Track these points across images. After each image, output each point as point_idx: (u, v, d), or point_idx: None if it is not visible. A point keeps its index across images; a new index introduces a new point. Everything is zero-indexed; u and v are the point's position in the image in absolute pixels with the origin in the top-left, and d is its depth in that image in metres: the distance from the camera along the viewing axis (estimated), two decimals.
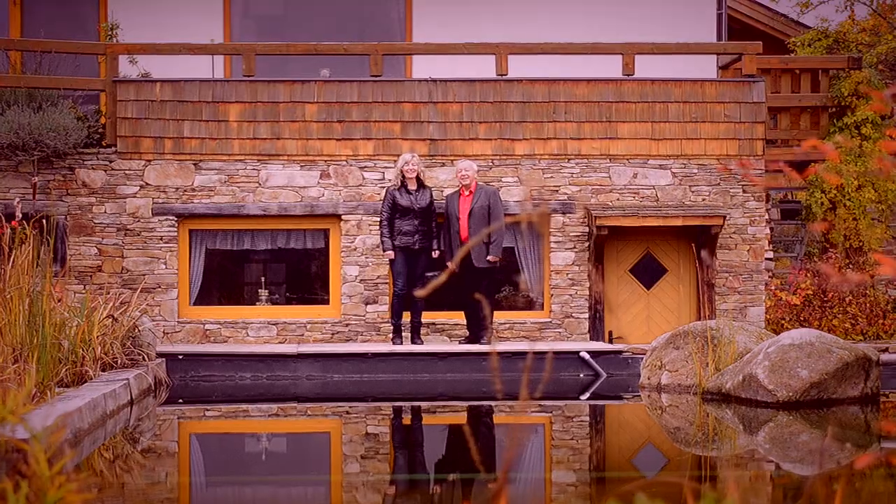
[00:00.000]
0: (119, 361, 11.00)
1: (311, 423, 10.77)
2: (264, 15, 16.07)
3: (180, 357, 12.40)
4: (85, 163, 13.40)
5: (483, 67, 14.02)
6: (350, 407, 11.39)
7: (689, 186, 13.77)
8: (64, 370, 10.09)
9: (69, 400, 8.43)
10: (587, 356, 12.60)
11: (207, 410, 11.27)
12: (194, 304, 13.65)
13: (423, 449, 9.16)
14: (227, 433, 10.31)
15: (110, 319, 11.22)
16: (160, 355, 12.12)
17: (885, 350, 12.45)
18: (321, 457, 8.90)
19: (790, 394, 9.67)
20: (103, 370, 10.68)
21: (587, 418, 10.85)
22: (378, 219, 13.26)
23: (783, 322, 13.48)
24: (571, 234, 13.71)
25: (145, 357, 11.50)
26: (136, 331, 11.66)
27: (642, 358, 11.73)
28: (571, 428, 10.10)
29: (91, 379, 10.14)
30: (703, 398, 10.60)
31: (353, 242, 13.59)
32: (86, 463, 7.64)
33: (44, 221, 11.23)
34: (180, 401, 11.53)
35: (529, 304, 13.97)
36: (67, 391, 9.23)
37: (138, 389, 10.48)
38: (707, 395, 10.58)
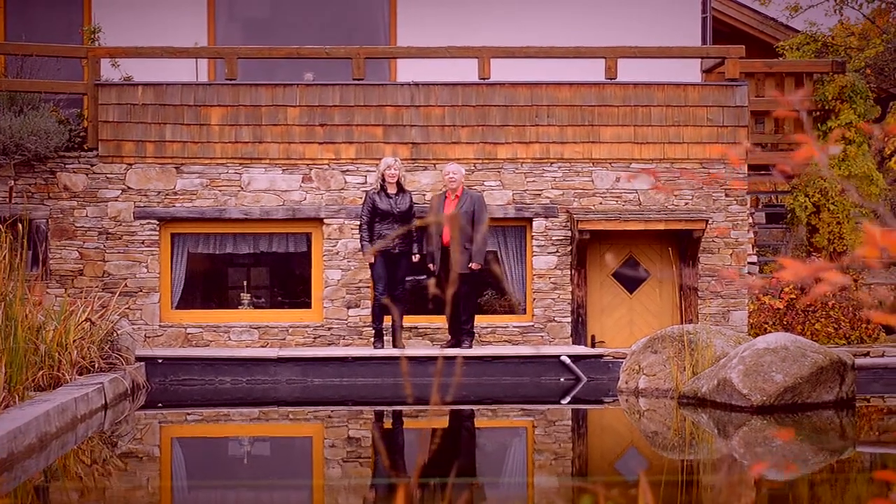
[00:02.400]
0: (96, 365, 10.98)
1: (292, 427, 10.74)
2: (250, 18, 16.06)
3: (159, 361, 12.38)
4: (66, 166, 13.39)
5: (468, 71, 14.00)
6: (332, 411, 11.37)
7: (672, 190, 13.75)
8: (40, 374, 10.07)
9: (38, 404, 8.41)
10: (567, 360, 12.58)
11: (186, 415, 11.25)
12: (176, 307, 13.63)
13: (399, 453, 9.15)
14: (204, 437, 10.30)
15: (88, 323, 11.20)
16: (139, 359, 12.09)
17: (867, 354, 12.43)
18: (303, 461, 8.88)
19: (764, 398, 9.64)
20: (80, 374, 10.66)
21: (563, 422, 10.83)
22: (359, 222, 13.23)
23: (766, 326, 13.45)
24: (554, 238, 13.68)
25: (123, 361, 11.47)
26: (115, 335, 11.64)
27: (622, 362, 11.70)
28: (548, 432, 10.08)
29: (67, 383, 10.12)
30: (679, 402, 10.58)
31: (335, 246, 13.57)
32: (49, 467, 7.62)
33: (20, 225, 11.19)
34: (159, 405, 11.51)
35: (512, 309, 13.94)
36: (40, 395, 9.21)
37: (113, 393, 10.46)
38: (683, 399, 10.55)
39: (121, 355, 11.52)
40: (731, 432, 9.29)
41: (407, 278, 13.07)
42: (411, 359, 12.59)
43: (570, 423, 10.91)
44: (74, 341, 10.79)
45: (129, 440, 9.33)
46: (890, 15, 19.84)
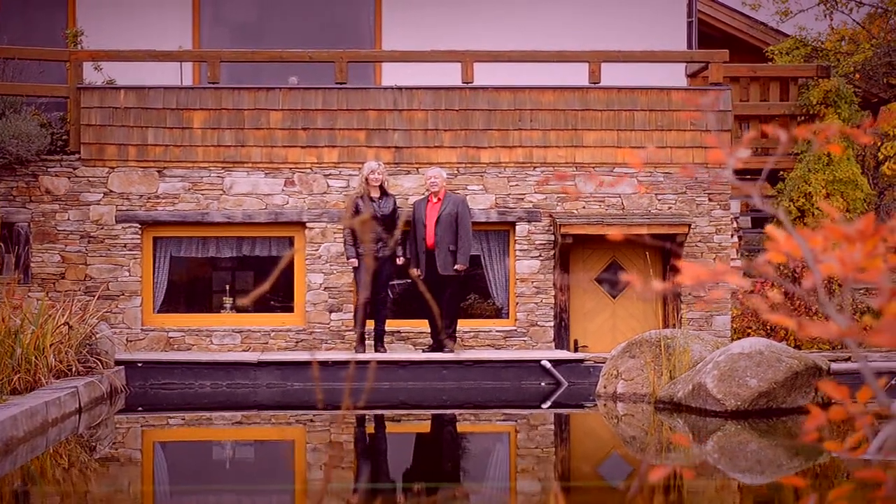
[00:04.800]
0: (73, 369, 10.96)
1: (273, 430, 10.72)
2: (236, 22, 16.04)
3: (139, 365, 12.36)
4: (48, 170, 13.38)
5: (454, 75, 13.98)
6: (314, 415, 11.35)
7: (655, 195, 13.73)
8: (16, 378, 10.06)
9: (7, 408, 8.39)
10: (548, 365, 12.55)
11: (164, 418, 11.23)
12: (158, 311, 13.62)
13: (380, 457, 9.13)
14: (180, 441, 10.28)
15: (65, 327, 11.18)
16: (119, 363, 12.07)
17: (848, 359, 12.39)
18: (285, 465, 8.86)
19: (738, 403, 9.61)
20: (57, 378, 10.64)
21: (539, 427, 10.80)
22: (342, 226, 13.22)
23: (749, 331, 13.42)
24: (537, 242, 13.66)
25: (102, 365, 11.46)
26: (94, 338, 11.62)
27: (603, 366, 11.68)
28: (530, 436, 10.06)
29: (43, 387, 10.10)
30: (655, 407, 10.55)
31: (317, 250, 13.56)
32: (13, 472, 7.60)
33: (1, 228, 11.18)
34: (139, 409, 11.50)
35: (495, 313, 13.92)
36: (13, 399, 9.20)
37: (89, 397, 10.44)
38: (660, 404, 10.52)
39: (99, 359, 11.50)
40: (700, 437, 9.26)
41: (397, 283, 13.08)
42: (393, 363, 12.56)
43: (548, 427, 10.89)
44: (52, 345, 10.77)
45: (101, 444, 9.31)
46: (887, 20, 19.81)
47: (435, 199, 12.98)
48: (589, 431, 10.66)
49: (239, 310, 13.87)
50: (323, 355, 12.90)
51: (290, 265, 13.73)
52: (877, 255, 2.54)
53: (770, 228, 2.69)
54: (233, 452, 9.49)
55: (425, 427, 11.15)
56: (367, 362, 12.48)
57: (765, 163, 14.46)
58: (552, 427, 10.90)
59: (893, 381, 11.63)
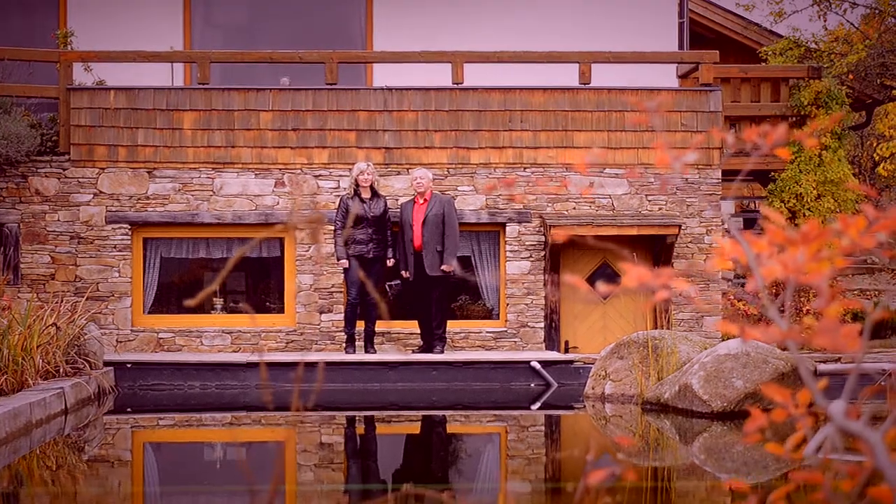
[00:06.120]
0: (61, 370, 10.95)
1: (264, 432, 10.72)
2: (227, 24, 16.04)
3: (128, 366, 12.36)
4: (38, 170, 13.37)
5: (445, 76, 13.97)
6: (304, 416, 11.33)
7: (646, 195, 13.72)
8: (3, 379, 10.05)
9: None
10: (538, 366, 12.54)
11: (152, 419, 11.22)
12: (148, 312, 13.61)
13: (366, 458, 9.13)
14: (167, 442, 10.27)
15: (53, 328, 11.17)
16: (108, 364, 12.06)
17: (838, 360, 12.38)
18: (268, 467, 8.85)
19: (724, 404, 9.60)
20: (45, 379, 10.64)
21: (526, 428, 10.78)
22: (332, 227, 13.22)
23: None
24: (527, 242, 13.65)
25: (91, 366, 11.45)
26: (82, 339, 11.61)
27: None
28: (520, 437, 10.05)
29: (30, 388, 10.09)
30: (642, 408, 10.54)
31: (307, 251, 13.55)
32: None
33: None
34: (128, 410, 11.49)
35: (485, 314, 13.91)
36: None
37: (75, 398, 10.43)
38: (647, 405, 10.52)
39: (88, 360, 11.49)
40: (685, 438, 9.25)
41: (395, 283, 13.09)
42: (381, 364, 12.56)
43: (534, 429, 10.87)
44: (39, 346, 10.76)
45: (85, 445, 9.30)
46: (882, 21, 19.80)
47: (421, 201, 12.97)
48: (573, 433, 10.64)
49: (230, 311, 13.86)
50: (311, 356, 12.88)
51: (281, 266, 13.72)
52: (821, 258, 2.54)
53: (718, 238, 2.68)
54: (221, 453, 9.48)
55: (414, 428, 11.13)
56: (357, 363, 12.49)
57: (758, 164, 14.47)
58: (541, 428, 10.89)
59: (883, 382, 11.62)
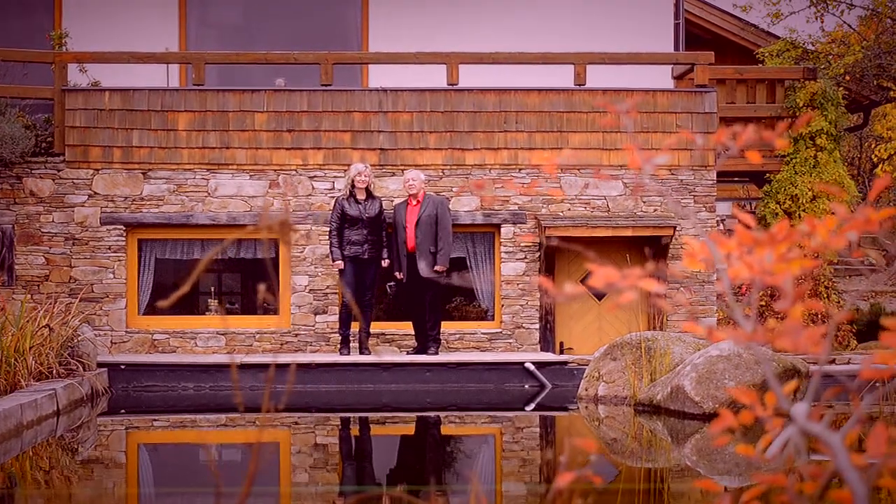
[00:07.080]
0: (54, 371, 10.94)
1: (258, 433, 10.69)
2: (224, 24, 16.04)
3: (122, 367, 12.35)
4: (33, 171, 13.37)
5: (440, 77, 13.97)
6: (299, 417, 11.34)
7: (641, 197, 13.71)
8: None
9: None
10: (532, 367, 12.53)
11: (146, 421, 11.22)
12: (143, 313, 13.60)
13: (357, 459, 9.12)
14: (158, 443, 10.26)
15: (46, 329, 11.17)
16: (102, 365, 12.06)
17: (832, 362, 12.37)
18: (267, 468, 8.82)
19: (716, 405, 9.59)
20: (38, 381, 10.63)
21: (518, 429, 10.78)
22: (328, 228, 13.21)
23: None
24: (522, 244, 13.64)
25: (84, 367, 11.44)
26: (75, 341, 11.61)
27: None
28: (516, 438, 10.04)
29: (22, 389, 10.09)
30: (635, 410, 10.53)
31: (302, 252, 13.54)
32: None
33: None
34: (122, 411, 11.48)
35: (480, 315, 13.90)
36: None
37: (68, 400, 10.43)
38: (639, 406, 10.51)
39: (81, 361, 11.49)
40: (676, 440, 9.24)
41: (393, 283, 13.13)
42: (376, 365, 12.56)
43: (526, 430, 10.87)
44: (32, 347, 10.76)
45: (76, 446, 9.29)
46: (880, 23, 19.80)
47: (414, 202, 12.96)
48: (564, 434, 10.62)
49: (228, 311, 13.86)
50: (305, 357, 12.87)
51: (275, 266, 13.72)
52: (789, 258, 2.53)
53: (688, 240, 2.68)
54: (207, 454, 9.47)
55: (408, 430, 11.13)
56: (351, 364, 12.49)
57: (753, 165, 14.46)
58: (534, 429, 10.88)
59: (877, 384, 11.60)
